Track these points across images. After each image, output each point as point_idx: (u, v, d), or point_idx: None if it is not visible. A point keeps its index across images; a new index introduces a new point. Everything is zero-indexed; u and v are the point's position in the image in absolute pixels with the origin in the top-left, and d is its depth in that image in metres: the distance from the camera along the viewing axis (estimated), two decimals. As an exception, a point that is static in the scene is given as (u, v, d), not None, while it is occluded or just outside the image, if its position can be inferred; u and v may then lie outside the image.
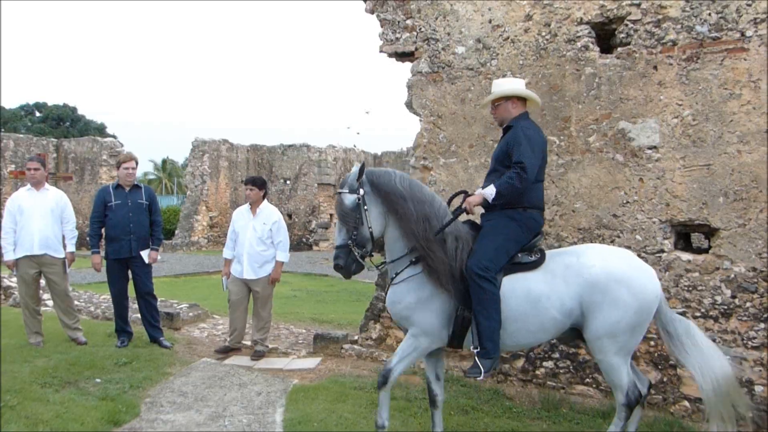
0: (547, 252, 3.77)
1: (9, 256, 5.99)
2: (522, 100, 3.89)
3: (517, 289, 3.58)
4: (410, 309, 3.65)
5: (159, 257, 6.31)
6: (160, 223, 6.34)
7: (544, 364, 5.14)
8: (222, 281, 6.50)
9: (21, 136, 23.60)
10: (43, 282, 6.31)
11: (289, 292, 11.29)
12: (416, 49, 5.81)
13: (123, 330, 6.18)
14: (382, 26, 5.95)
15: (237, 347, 6.26)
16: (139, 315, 6.37)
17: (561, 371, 5.07)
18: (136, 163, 6.37)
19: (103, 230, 6.16)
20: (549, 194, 4.95)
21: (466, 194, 3.85)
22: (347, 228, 3.69)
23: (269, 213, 6.31)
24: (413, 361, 3.86)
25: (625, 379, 3.52)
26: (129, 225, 6.07)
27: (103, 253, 6.17)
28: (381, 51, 6.01)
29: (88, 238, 6.46)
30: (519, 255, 3.68)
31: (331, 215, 23.67)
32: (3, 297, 8.63)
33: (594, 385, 4.93)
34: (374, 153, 27.31)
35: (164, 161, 44.83)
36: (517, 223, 3.68)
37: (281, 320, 8.05)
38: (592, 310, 3.49)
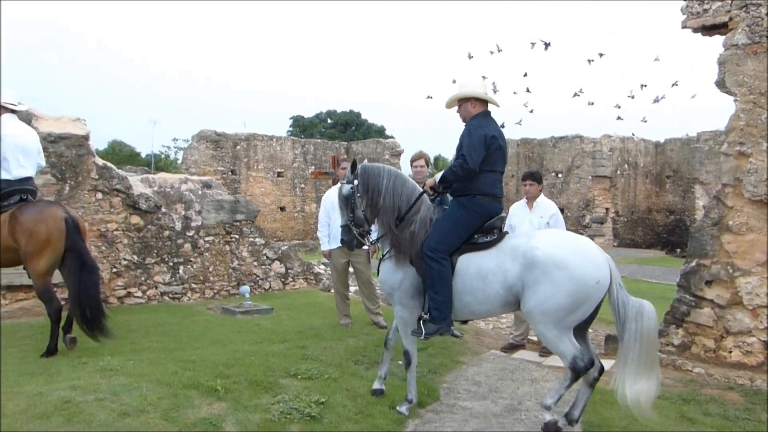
0: (508, 234, 4.23)
1: (324, 246, 6.94)
2: (482, 101, 4.34)
3: (470, 266, 4.10)
4: (393, 287, 4.35)
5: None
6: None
7: None
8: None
9: (318, 141, 27.16)
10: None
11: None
12: (730, 19, 5.15)
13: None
14: (686, -2, 5.40)
15: (521, 344, 6.31)
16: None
17: None
18: (426, 162, 6.79)
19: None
20: None
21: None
22: (346, 211, 4.44)
23: (546, 206, 6.24)
24: (410, 328, 4.36)
25: (563, 347, 3.87)
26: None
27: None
28: (684, 27, 5.46)
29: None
30: (476, 236, 4.18)
31: (606, 209, 22.40)
32: (314, 281, 10.03)
33: None
34: (656, 141, 25.05)
35: (436, 159, 47.30)
36: (465, 210, 4.18)
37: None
38: (530, 286, 3.89)
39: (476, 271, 4.06)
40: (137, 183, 8.34)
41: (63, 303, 5.58)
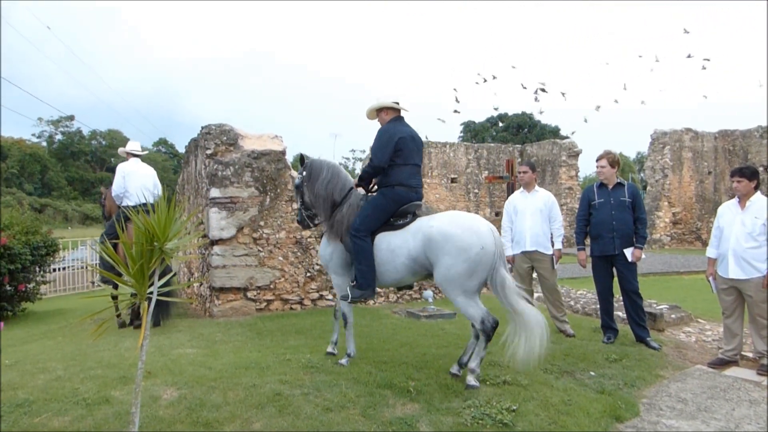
0: (419, 217, 4.99)
1: (507, 252, 6.84)
2: (395, 109, 5.24)
3: (384, 243, 4.96)
4: (327, 259, 5.32)
5: (643, 255, 6.20)
6: (644, 220, 6.22)
7: None
8: (710, 283, 5.98)
9: (491, 145, 26.90)
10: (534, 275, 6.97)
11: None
12: None
13: (609, 326, 6.31)
14: None
15: (734, 360, 5.67)
16: (620, 313, 6.41)
17: None
18: (611, 162, 6.38)
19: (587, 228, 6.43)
20: None
21: None
22: (299, 198, 5.49)
23: (762, 206, 5.51)
24: (344, 294, 5.10)
25: (472, 311, 4.59)
26: (612, 223, 6.17)
27: (588, 251, 6.43)
28: None
29: (574, 236, 6.82)
30: (392, 219, 5.01)
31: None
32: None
33: None
34: None
35: (617, 157, 44.42)
36: (384, 197, 5.04)
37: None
38: (433, 261, 4.67)
39: (387, 246, 4.93)
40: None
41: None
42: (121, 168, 7.75)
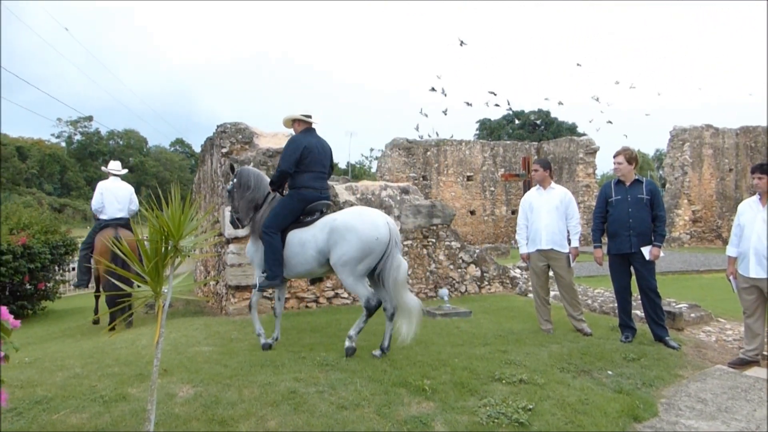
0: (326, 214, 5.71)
1: (523, 249, 6.80)
2: (303, 122, 5.96)
3: (294, 239, 5.59)
4: (252, 256, 5.93)
5: (662, 254, 6.11)
6: (663, 218, 6.12)
7: None
8: (730, 282, 5.89)
9: (507, 142, 26.76)
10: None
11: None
12: None
13: (627, 325, 6.24)
14: None
15: (755, 360, 5.58)
16: (638, 311, 6.34)
17: None
18: (628, 159, 6.28)
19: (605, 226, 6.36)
20: None
21: None
22: (231, 202, 6.12)
23: (785, 204, 5.42)
24: (263, 285, 5.71)
25: (359, 290, 5.30)
26: (628, 220, 6.09)
27: (605, 249, 6.36)
28: None
29: (591, 233, 6.75)
30: (302, 217, 5.69)
31: None
32: (510, 285, 9.89)
33: None
34: None
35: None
36: (291, 198, 5.73)
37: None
38: (332, 246, 5.36)
39: (297, 241, 5.57)
40: (342, 191, 8.92)
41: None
42: (100, 185, 8.66)
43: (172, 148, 79.05)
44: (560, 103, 46.64)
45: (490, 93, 23.27)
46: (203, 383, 4.44)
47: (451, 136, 25.13)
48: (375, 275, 5.45)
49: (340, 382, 4.46)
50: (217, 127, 8.64)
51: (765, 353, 5.65)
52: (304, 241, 5.55)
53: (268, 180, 6.03)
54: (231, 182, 6.13)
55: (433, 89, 28.87)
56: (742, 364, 5.54)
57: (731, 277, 5.80)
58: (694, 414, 4.32)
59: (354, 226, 5.28)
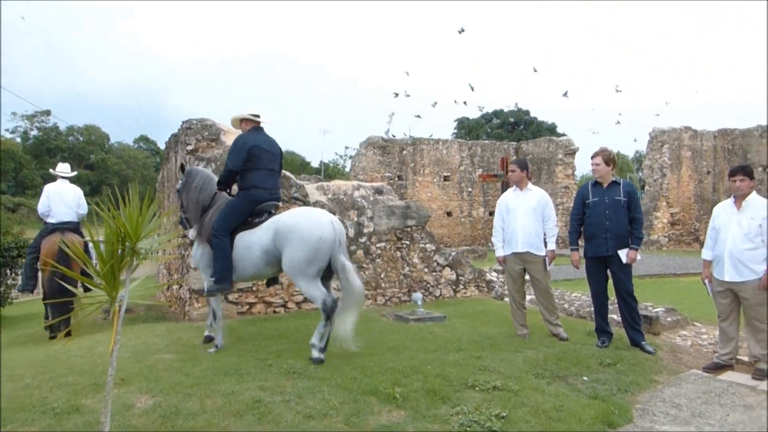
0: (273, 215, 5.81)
1: (499, 252, 6.85)
2: (251, 121, 6.05)
3: (242, 241, 5.67)
4: (198, 259, 6.01)
5: (639, 257, 6.21)
6: (640, 220, 6.21)
7: None
8: (706, 286, 6.00)
9: (486, 142, 26.95)
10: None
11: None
12: None
13: (603, 330, 6.32)
14: None
15: (729, 364, 5.70)
16: (615, 315, 6.42)
17: None
18: (606, 160, 6.35)
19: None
20: None
21: None
22: (180, 202, 6.24)
23: (759, 206, 5.55)
24: (212, 290, 5.75)
25: (313, 292, 5.39)
26: (605, 223, 6.17)
27: (582, 252, 6.44)
28: None
29: (568, 235, 6.82)
30: (250, 218, 5.77)
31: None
32: (486, 289, 9.95)
33: None
34: None
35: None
36: (239, 199, 5.82)
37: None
38: (281, 250, 5.46)
39: (244, 243, 5.65)
40: (313, 191, 8.89)
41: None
42: (46, 188, 8.68)
43: (136, 145, 77.89)
44: (565, 94, 46.94)
45: (470, 87, 23.40)
46: (163, 393, 4.38)
47: (431, 136, 25.21)
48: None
49: (307, 390, 4.44)
50: (183, 123, 8.54)
51: (739, 357, 5.78)
52: (250, 244, 5.65)
53: (215, 179, 6.12)
54: (180, 182, 6.24)
55: (396, 94, 28.93)
56: (717, 368, 5.66)
57: (706, 281, 5.92)
58: (668, 419, 4.40)
59: (296, 226, 5.41)
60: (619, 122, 38.98)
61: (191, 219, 6.11)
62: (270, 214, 5.86)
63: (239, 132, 6.22)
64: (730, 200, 5.79)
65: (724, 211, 5.80)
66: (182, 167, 6.45)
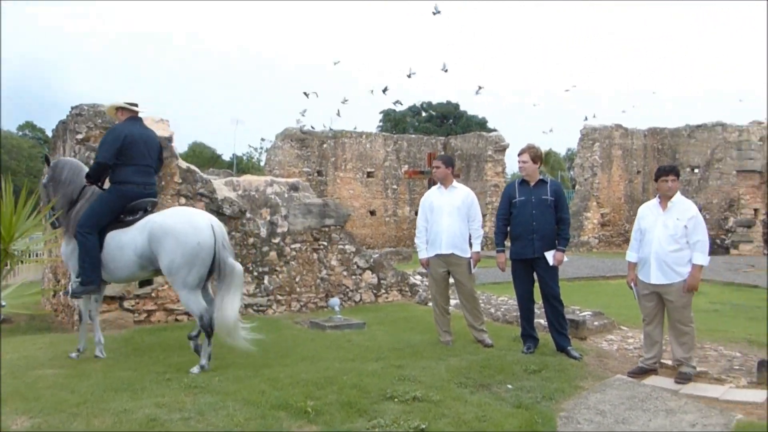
0: (149, 214, 5.75)
1: (422, 254, 6.93)
2: (127, 110, 6.02)
3: (113, 240, 5.59)
4: (67, 257, 5.88)
5: (566, 259, 6.44)
6: (566, 220, 6.43)
7: None
8: (632, 289, 6.28)
9: (412, 136, 27.28)
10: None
11: (707, 305, 10.42)
12: None
13: (529, 335, 6.52)
14: None
15: (653, 368, 6.02)
16: (542, 320, 6.64)
17: None
18: (531, 157, 6.47)
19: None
20: None
21: None
22: (46, 198, 5.97)
23: (685, 207, 5.87)
24: (67, 290, 5.97)
25: (193, 306, 5.40)
26: (532, 223, 6.32)
27: (509, 253, 6.61)
28: None
29: (494, 236, 6.96)
30: (122, 216, 5.70)
31: (755, 210, 21.01)
32: (410, 294, 10.08)
33: None
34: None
35: (546, 153, 46.25)
36: (110, 194, 5.78)
37: (706, 339, 7.44)
38: (158, 254, 5.39)
39: (116, 243, 5.58)
40: (221, 187, 8.72)
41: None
42: None
43: (20, 133, 73.94)
44: (567, 90, 47.61)
45: (408, 76, 23.35)
46: (43, 413, 4.19)
47: (354, 128, 25.25)
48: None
49: (209, 406, 4.35)
50: (72, 109, 8.22)
51: (663, 361, 6.10)
52: (122, 244, 5.59)
53: (84, 170, 6.02)
54: (45, 177, 6.09)
55: (305, 94, 28.46)
56: (641, 372, 5.95)
57: (632, 284, 6.18)
58: (592, 427, 4.59)
59: (171, 229, 5.38)
60: (535, 104, 39.87)
61: (61, 217, 5.94)
62: (146, 212, 5.81)
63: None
64: (655, 201, 6.06)
65: (649, 211, 6.06)
66: (47, 159, 6.32)
